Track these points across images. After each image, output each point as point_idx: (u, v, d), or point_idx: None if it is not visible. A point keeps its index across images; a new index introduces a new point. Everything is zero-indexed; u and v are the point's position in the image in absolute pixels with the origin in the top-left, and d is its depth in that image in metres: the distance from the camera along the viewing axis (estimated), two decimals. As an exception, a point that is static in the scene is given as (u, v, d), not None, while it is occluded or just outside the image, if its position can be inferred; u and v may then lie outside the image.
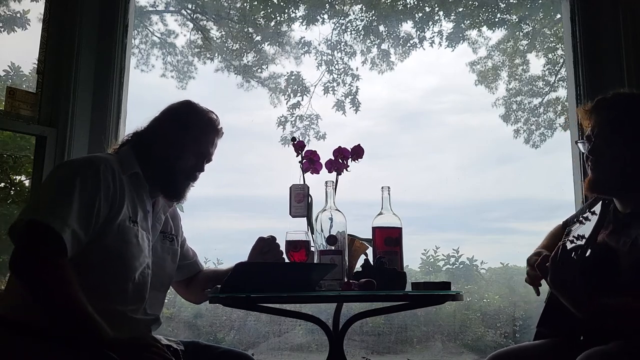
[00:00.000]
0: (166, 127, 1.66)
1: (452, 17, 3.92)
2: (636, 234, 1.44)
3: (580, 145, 1.63)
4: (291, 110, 3.86)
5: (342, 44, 3.98)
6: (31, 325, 1.35)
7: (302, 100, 3.87)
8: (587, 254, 1.36)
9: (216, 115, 1.71)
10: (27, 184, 2.60)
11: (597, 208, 1.44)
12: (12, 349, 1.35)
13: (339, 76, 3.92)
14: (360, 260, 1.73)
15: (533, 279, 1.65)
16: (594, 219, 1.42)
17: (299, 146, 1.87)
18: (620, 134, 1.51)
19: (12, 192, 2.69)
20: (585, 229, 1.42)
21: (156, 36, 4.09)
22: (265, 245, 1.77)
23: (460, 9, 3.94)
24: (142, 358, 1.28)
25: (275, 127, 3.82)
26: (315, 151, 1.87)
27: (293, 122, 3.87)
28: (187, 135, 1.64)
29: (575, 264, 1.36)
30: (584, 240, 1.38)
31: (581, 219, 1.48)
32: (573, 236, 1.43)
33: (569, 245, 1.40)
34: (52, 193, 1.43)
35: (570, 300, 1.37)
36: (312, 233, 1.76)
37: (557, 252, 1.40)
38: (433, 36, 3.88)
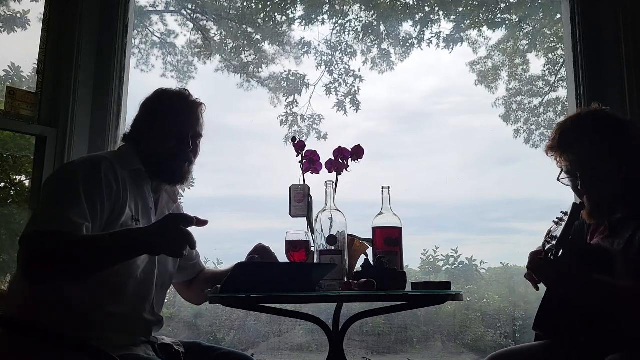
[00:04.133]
0: (144, 120, 1.68)
1: (452, 17, 3.92)
2: (629, 235, 1.45)
3: (564, 181, 1.63)
4: (290, 108, 3.86)
5: (343, 44, 3.98)
6: (34, 326, 1.35)
7: (301, 97, 3.87)
8: (560, 253, 1.40)
9: (187, 91, 1.72)
10: (27, 184, 2.60)
11: (569, 209, 1.48)
12: (15, 349, 1.35)
13: (339, 76, 3.92)
14: (360, 260, 1.73)
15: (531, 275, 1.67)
16: (567, 219, 1.46)
17: (299, 146, 1.87)
18: (604, 161, 1.53)
19: (12, 192, 2.69)
20: (559, 229, 1.47)
21: (156, 36, 4.09)
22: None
23: (460, 9, 3.94)
24: (174, 247, 1.29)
25: (279, 126, 3.83)
26: (315, 151, 1.87)
27: (294, 121, 3.87)
28: (163, 120, 1.64)
29: (554, 264, 1.42)
30: (556, 240, 1.42)
31: (557, 219, 1.52)
32: (549, 237, 1.48)
33: (547, 246, 1.45)
34: (59, 198, 1.42)
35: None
36: (312, 233, 1.76)
37: (542, 252, 1.47)
38: (433, 36, 3.88)
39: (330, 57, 3.97)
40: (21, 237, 1.35)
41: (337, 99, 3.88)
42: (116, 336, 1.45)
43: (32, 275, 1.35)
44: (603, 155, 1.53)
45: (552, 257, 1.43)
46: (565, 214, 1.50)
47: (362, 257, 1.76)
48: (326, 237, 1.69)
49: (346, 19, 3.93)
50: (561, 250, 1.43)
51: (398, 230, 1.72)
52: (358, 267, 1.70)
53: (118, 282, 1.47)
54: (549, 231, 1.56)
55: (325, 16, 3.90)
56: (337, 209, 1.73)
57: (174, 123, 1.64)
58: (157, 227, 1.34)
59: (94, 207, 1.40)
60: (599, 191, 1.54)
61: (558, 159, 1.62)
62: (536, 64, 4.04)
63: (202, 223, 1.35)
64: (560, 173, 1.63)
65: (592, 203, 1.55)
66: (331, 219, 1.71)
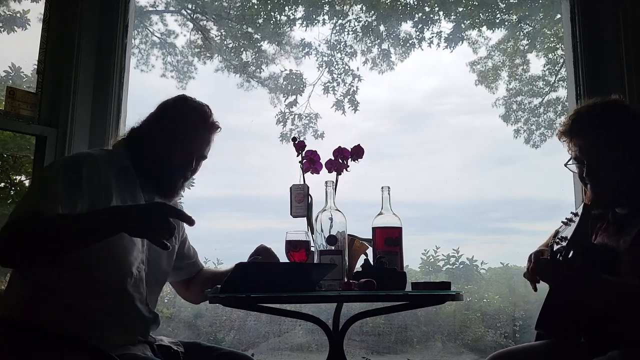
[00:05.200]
0: (158, 122, 1.65)
1: (452, 17, 3.92)
2: (636, 232, 1.45)
3: (571, 168, 1.62)
4: (289, 108, 3.86)
5: (342, 44, 3.98)
6: (31, 325, 1.36)
7: (300, 97, 3.87)
8: (570, 255, 1.40)
9: (209, 110, 1.68)
10: (27, 184, 2.60)
11: (580, 210, 1.47)
12: (14, 349, 1.35)
13: (339, 76, 3.92)
14: (360, 260, 1.73)
15: (532, 275, 1.66)
16: (577, 220, 1.45)
17: (299, 146, 1.87)
18: (613, 151, 1.51)
19: (12, 192, 2.69)
20: (569, 230, 1.45)
21: (156, 36, 4.09)
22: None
23: (460, 9, 3.94)
24: (155, 233, 1.26)
25: (275, 124, 3.83)
26: (315, 151, 1.87)
27: (292, 120, 3.88)
28: (178, 131, 1.61)
29: (562, 265, 1.40)
30: (566, 241, 1.41)
31: (566, 220, 1.51)
32: (558, 238, 1.46)
33: (555, 247, 1.44)
34: (36, 192, 1.45)
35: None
36: (312, 233, 1.76)
37: (547, 253, 1.46)
38: (433, 36, 3.88)
39: (330, 57, 3.98)
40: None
41: (336, 99, 3.88)
42: (114, 335, 1.45)
43: (3, 259, 1.34)
44: (612, 146, 1.51)
45: (560, 258, 1.42)
46: (576, 214, 1.48)
47: (362, 257, 1.76)
48: (326, 237, 1.69)
49: (346, 19, 3.93)
50: (572, 252, 1.41)
51: (398, 230, 1.73)
52: (358, 267, 1.70)
53: (111, 278, 1.46)
54: (557, 232, 1.55)
55: (326, 16, 3.90)
56: (337, 209, 1.73)
57: (186, 138, 1.62)
58: (141, 208, 1.32)
59: (72, 201, 1.39)
60: (604, 181, 1.53)
61: (569, 144, 1.60)
62: (536, 64, 4.05)
63: (190, 221, 1.31)
64: (570, 159, 1.61)
65: (595, 193, 1.54)
66: (331, 219, 1.71)
